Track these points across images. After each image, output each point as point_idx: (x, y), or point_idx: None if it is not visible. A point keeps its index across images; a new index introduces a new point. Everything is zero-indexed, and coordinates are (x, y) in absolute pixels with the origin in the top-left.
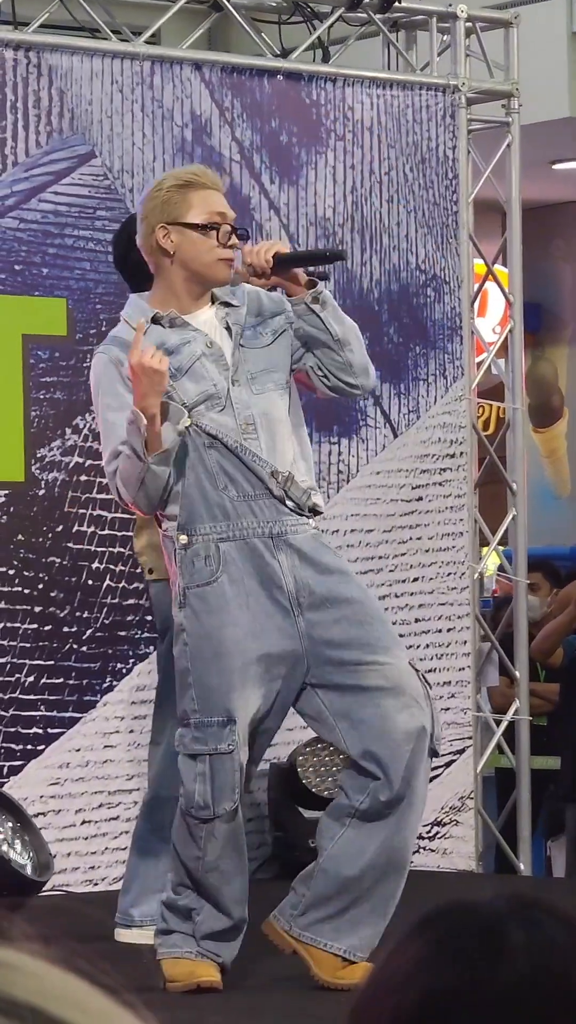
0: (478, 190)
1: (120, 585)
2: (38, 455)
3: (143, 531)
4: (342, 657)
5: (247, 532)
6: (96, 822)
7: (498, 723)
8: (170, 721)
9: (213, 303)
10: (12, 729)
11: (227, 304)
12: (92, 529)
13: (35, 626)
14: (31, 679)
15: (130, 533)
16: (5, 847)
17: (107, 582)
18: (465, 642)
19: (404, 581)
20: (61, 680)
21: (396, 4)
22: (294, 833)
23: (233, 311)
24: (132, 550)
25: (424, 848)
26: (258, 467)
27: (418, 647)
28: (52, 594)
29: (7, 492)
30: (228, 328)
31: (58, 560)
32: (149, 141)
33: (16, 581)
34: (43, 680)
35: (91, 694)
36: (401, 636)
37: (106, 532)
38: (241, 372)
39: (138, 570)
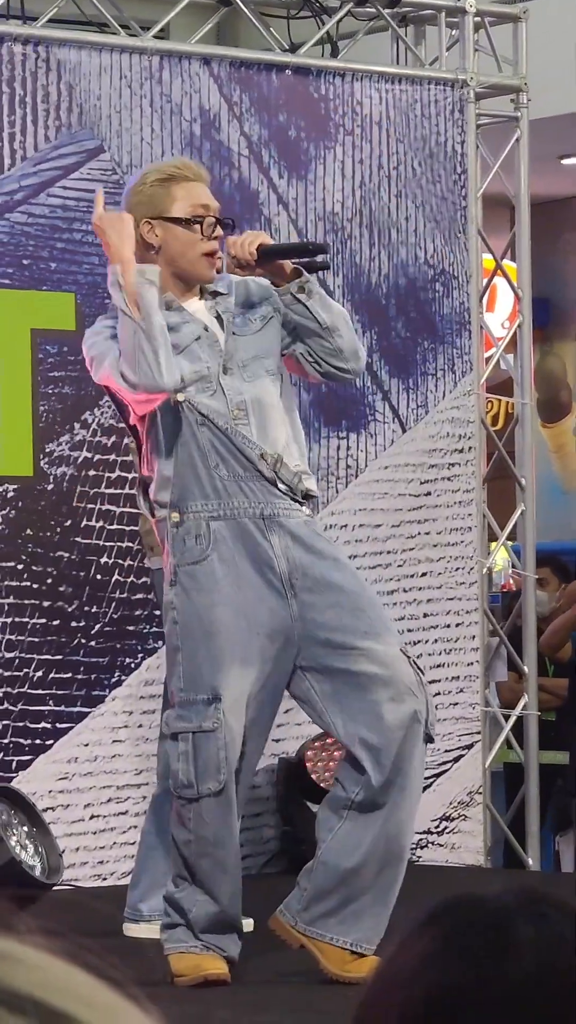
0: (487, 185)
1: (128, 580)
2: (47, 450)
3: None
4: (333, 640)
5: (238, 512)
6: (104, 816)
7: (506, 718)
8: None
9: (202, 295)
10: (21, 724)
11: (215, 294)
12: (100, 524)
13: (43, 621)
14: (39, 674)
15: (139, 528)
16: (18, 848)
17: (115, 577)
18: (474, 637)
19: (412, 576)
20: (69, 675)
21: None
22: (302, 828)
23: (223, 299)
24: (140, 543)
25: (432, 843)
26: (248, 449)
27: (426, 642)
28: (60, 589)
29: (16, 487)
30: (219, 317)
31: (66, 555)
32: (158, 136)
33: (24, 576)
34: (51, 675)
35: (99, 689)
36: (409, 631)
37: (114, 527)
38: (233, 360)
39: (146, 564)
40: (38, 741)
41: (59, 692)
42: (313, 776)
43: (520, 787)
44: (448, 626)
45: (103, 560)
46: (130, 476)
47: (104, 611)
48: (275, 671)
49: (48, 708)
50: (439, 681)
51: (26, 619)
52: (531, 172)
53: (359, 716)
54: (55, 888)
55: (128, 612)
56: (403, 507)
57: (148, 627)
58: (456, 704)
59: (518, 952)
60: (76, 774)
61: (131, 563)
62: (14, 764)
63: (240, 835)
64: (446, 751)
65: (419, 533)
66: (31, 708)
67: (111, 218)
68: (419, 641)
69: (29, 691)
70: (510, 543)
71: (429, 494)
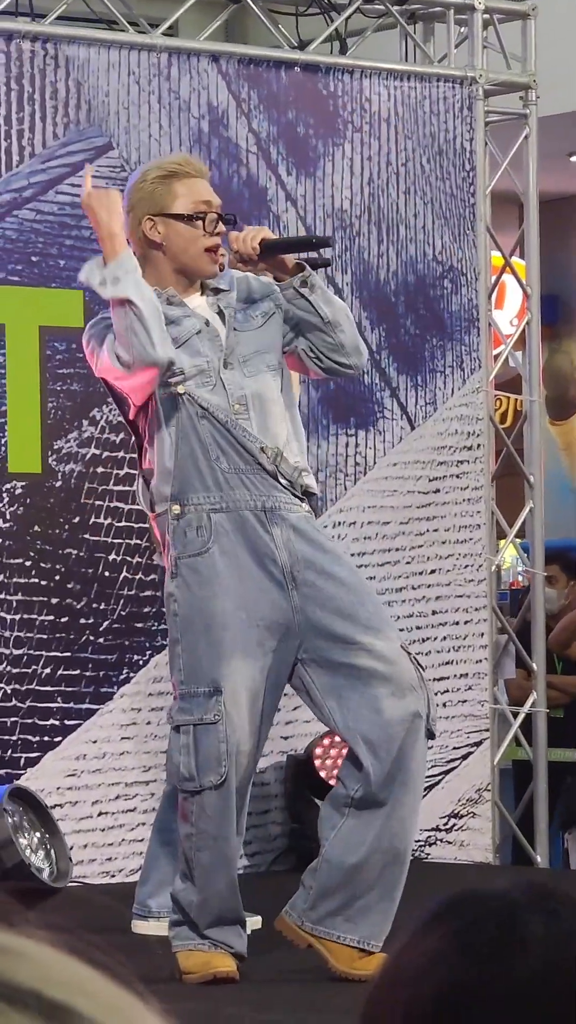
0: (495, 182)
1: (137, 577)
2: (55, 447)
3: None
4: (335, 633)
5: (239, 504)
6: (113, 813)
7: (515, 715)
8: None
9: (203, 291)
10: (29, 720)
11: (217, 290)
12: (109, 521)
13: (52, 618)
14: (48, 671)
15: (147, 525)
16: (28, 852)
17: (124, 574)
18: (482, 634)
19: (421, 573)
20: (78, 672)
21: None
22: (310, 825)
23: (224, 295)
24: (148, 540)
25: (441, 840)
26: (249, 442)
27: (435, 639)
28: (69, 586)
29: (24, 484)
30: (220, 313)
31: (75, 552)
32: (166, 133)
33: (33, 573)
34: (60, 672)
35: (108, 686)
36: (418, 628)
37: (123, 524)
38: (234, 355)
39: (155, 561)
40: (46, 738)
41: (67, 689)
42: (321, 774)
43: (529, 784)
44: (457, 623)
45: (111, 557)
46: (137, 473)
47: (112, 608)
48: (276, 663)
49: (56, 705)
50: (447, 678)
51: (34, 616)
52: (540, 169)
53: (359, 711)
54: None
55: (136, 609)
56: (411, 504)
57: (156, 624)
58: (465, 701)
59: (526, 949)
60: (84, 771)
61: (139, 560)
62: (22, 761)
63: (248, 832)
64: (455, 748)
65: (428, 530)
66: (39, 705)
67: (99, 194)
68: (427, 638)
69: (37, 688)
70: (519, 540)
71: (438, 491)
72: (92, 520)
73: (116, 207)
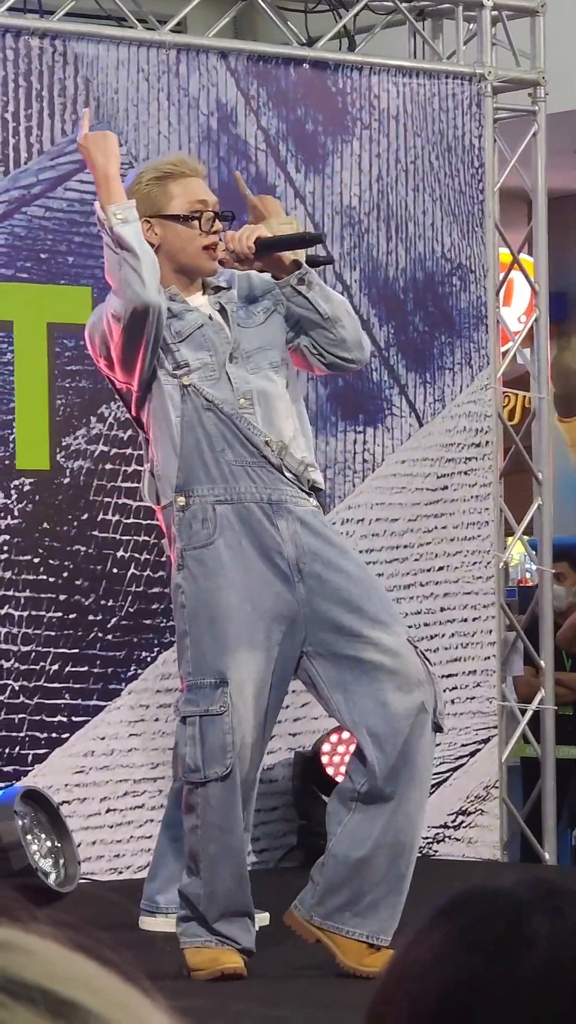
0: (504, 179)
1: (145, 574)
2: (63, 443)
3: None
4: (341, 625)
5: (244, 496)
6: (121, 810)
7: (523, 712)
8: None
9: (204, 289)
10: (37, 717)
11: (218, 288)
12: (117, 518)
13: (60, 614)
14: (56, 667)
15: (155, 522)
16: (37, 856)
17: (132, 570)
18: (490, 631)
19: (429, 570)
20: (86, 668)
21: None
22: (318, 822)
23: (225, 293)
24: (157, 537)
25: (449, 837)
26: (254, 435)
27: (443, 636)
28: (77, 582)
29: (32, 480)
30: (222, 310)
31: (83, 548)
32: (175, 129)
33: (41, 569)
34: (68, 668)
35: (116, 682)
36: (426, 625)
37: (131, 521)
38: (239, 351)
39: (163, 558)
40: (54, 735)
41: (75, 685)
42: (329, 770)
43: (537, 781)
44: (465, 620)
45: (119, 554)
46: (144, 467)
47: (120, 605)
48: (282, 655)
49: (64, 701)
50: (455, 675)
51: (42, 613)
52: (548, 166)
53: (364, 705)
54: None
55: (144, 606)
56: (420, 501)
57: (164, 621)
58: (473, 698)
59: (532, 947)
60: (92, 768)
61: (147, 557)
62: (30, 758)
63: (256, 829)
64: (462, 745)
65: (436, 527)
66: (47, 702)
67: (95, 137)
68: (435, 635)
69: (45, 684)
70: (527, 537)
71: (446, 488)
72: (100, 517)
73: (112, 149)
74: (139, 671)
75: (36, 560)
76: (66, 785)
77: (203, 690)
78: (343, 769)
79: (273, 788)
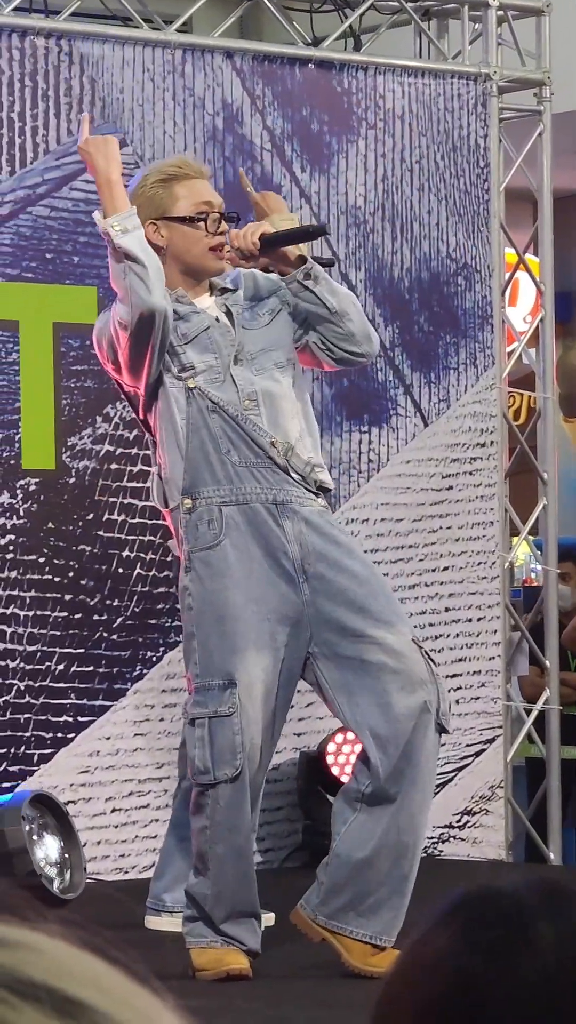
0: (509, 179)
1: (151, 573)
2: (69, 443)
3: None
4: (346, 626)
5: (250, 497)
6: (126, 810)
7: (528, 712)
8: None
9: (211, 291)
10: (42, 717)
11: (225, 290)
12: (122, 517)
13: (65, 614)
14: (61, 667)
15: (160, 522)
16: (43, 863)
17: (137, 570)
18: (495, 631)
19: (434, 570)
20: (91, 668)
21: None
22: (323, 822)
23: (231, 295)
24: (163, 537)
25: (454, 837)
26: (259, 436)
27: (448, 636)
28: (82, 582)
29: (38, 480)
30: (228, 312)
31: (88, 548)
32: (180, 129)
33: (46, 569)
34: (73, 668)
35: (121, 682)
36: (431, 625)
37: (136, 520)
38: (244, 352)
39: (168, 558)
40: (60, 735)
41: (81, 685)
42: (334, 771)
43: (542, 781)
44: (470, 620)
45: (125, 554)
46: (152, 470)
47: (126, 605)
48: (288, 657)
49: (70, 701)
50: (460, 675)
51: (48, 612)
52: (554, 166)
53: (368, 705)
54: None
55: (150, 606)
56: (425, 501)
57: (170, 621)
58: (478, 698)
59: (536, 948)
60: (98, 768)
61: (153, 557)
62: (36, 758)
63: (261, 829)
64: (467, 746)
65: (441, 527)
66: (53, 701)
67: (96, 141)
68: (440, 635)
69: (51, 684)
70: (532, 537)
71: (451, 488)
72: (106, 517)
73: (113, 153)
74: (144, 671)
75: (42, 560)
76: (71, 785)
77: (211, 692)
78: (348, 769)
79: (278, 788)
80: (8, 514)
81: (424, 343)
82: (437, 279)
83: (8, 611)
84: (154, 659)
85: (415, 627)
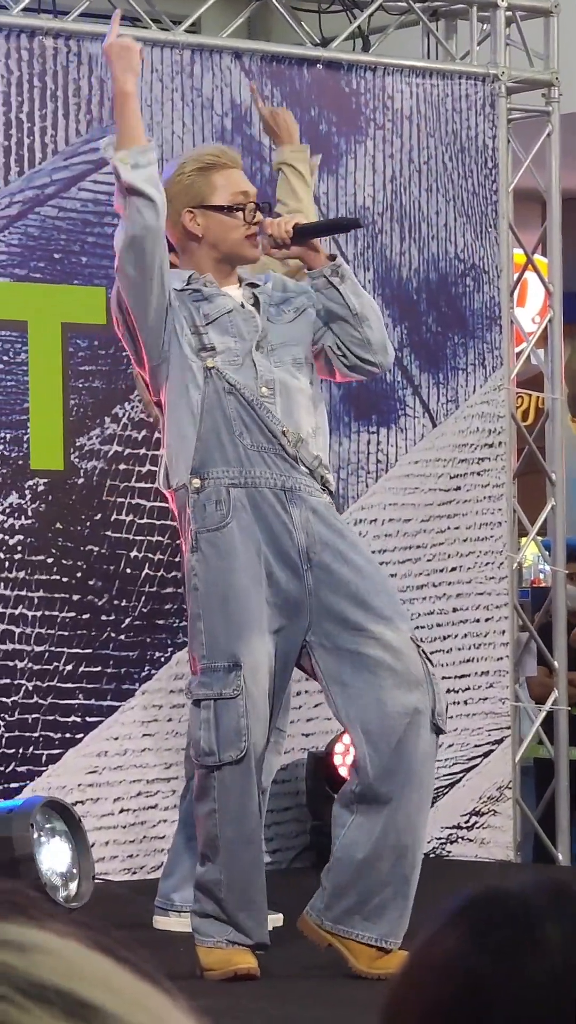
0: (518, 179)
1: (159, 574)
2: (77, 444)
3: None
4: (346, 617)
5: (259, 481)
6: (134, 811)
7: (537, 713)
8: None
9: (240, 284)
10: (51, 717)
11: (254, 284)
12: (131, 518)
13: (73, 614)
14: (69, 667)
15: (169, 522)
16: (50, 872)
17: (145, 571)
18: (503, 632)
19: (442, 571)
20: (99, 668)
21: None
22: (331, 822)
23: (260, 288)
24: (171, 538)
25: (462, 838)
26: (272, 423)
27: (455, 637)
28: (90, 582)
29: (46, 480)
30: (256, 303)
31: (96, 549)
32: (189, 130)
33: (55, 569)
34: (81, 668)
35: (129, 683)
36: (438, 625)
37: (144, 521)
38: (266, 341)
39: (176, 558)
40: (68, 735)
41: (89, 686)
42: (342, 771)
43: (550, 782)
44: (478, 621)
45: (133, 554)
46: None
47: (134, 605)
48: (286, 642)
49: (78, 702)
50: (468, 676)
51: (56, 613)
52: (562, 167)
53: (361, 700)
54: None
55: (158, 606)
56: (433, 502)
57: (178, 621)
58: (486, 699)
59: (544, 949)
60: (106, 768)
61: (161, 557)
62: (44, 758)
63: (269, 829)
64: (476, 746)
65: (449, 528)
66: (61, 702)
67: (118, 47)
68: (448, 636)
69: (59, 685)
70: (540, 538)
71: (459, 489)
72: (114, 517)
73: (133, 63)
74: (153, 671)
75: (50, 560)
76: (79, 785)
77: (217, 673)
78: None
79: (286, 789)
80: (16, 514)
81: (432, 344)
82: (445, 280)
83: (16, 611)
84: (162, 659)
85: (423, 627)
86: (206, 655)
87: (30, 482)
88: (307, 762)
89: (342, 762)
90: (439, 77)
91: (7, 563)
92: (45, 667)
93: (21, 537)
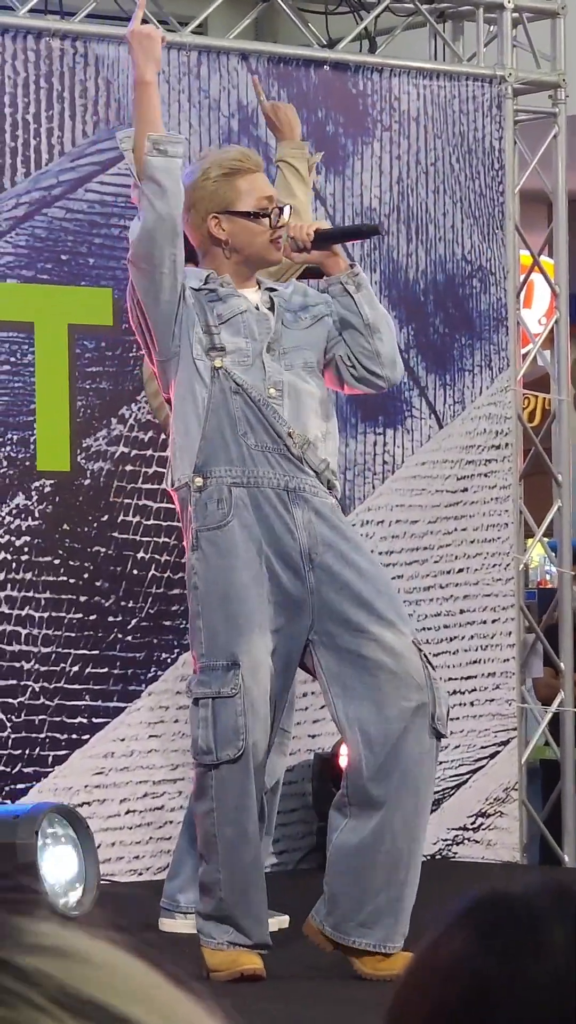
0: (524, 181)
1: (165, 575)
2: (84, 445)
3: None
4: (347, 618)
5: (261, 481)
6: (140, 812)
7: (543, 714)
8: None
9: (259, 287)
10: (57, 719)
11: (272, 289)
12: (137, 519)
13: (80, 616)
14: (76, 669)
15: (175, 523)
16: (54, 880)
17: (152, 572)
18: (510, 633)
19: (449, 572)
20: (106, 670)
21: None
22: None
23: (278, 293)
24: (177, 539)
25: (468, 839)
26: (278, 424)
27: (462, 638)
28: (97, 584)
29: (53, 482)
30: (272, 307)
31: (103, 550)
32: (196, 131)
33: (62, 571)
34: (88, 670)
35: (136, 684)
36: (445, 627)
37: (151, 522)
38: (278, 344)
39: (183, 559)
40: (74, 736)
41: (95, 687)
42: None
43: (556, 784)
44: (484, 622)
45: (140, 555)
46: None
47: (140, 606)
48: (288, 642)
49: (84, 703)
50: (475, 677)
51: (63, 614)
52: (568, 168)
53: (360, 701)
54: None
55: (164, 607)
56: (439, 503)
57: (184, 622)
58: (492, 700)
59: (549, 951)
60: (112, 769)
61: (167, 558)
62: (50, 759)
63: (276, 831)
64: (482, 748)
65: (455, 529)
66: (67, 703)
67: (140, 34)
68: (455, 637)
69: (65, 686)
70: (546, 539)
71: (466, 490)
72: (121, 518)
73: (155, 52)
74: (159, 672)
75: (56, 561)
76: (86, 786)
77: (215, 672)
78: None
79: (292, 790)
80: (23, 515)
81: (439, 345)
82: (452, 281)
83: (23, 612)
84: (169, 661)
85: (429, 629)
86: (205, 654)
87: (37, 483)
88: (313, 763)
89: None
90: (446, 79)
91: (14, 564)
92: (52, 668)
93: (28, 538)
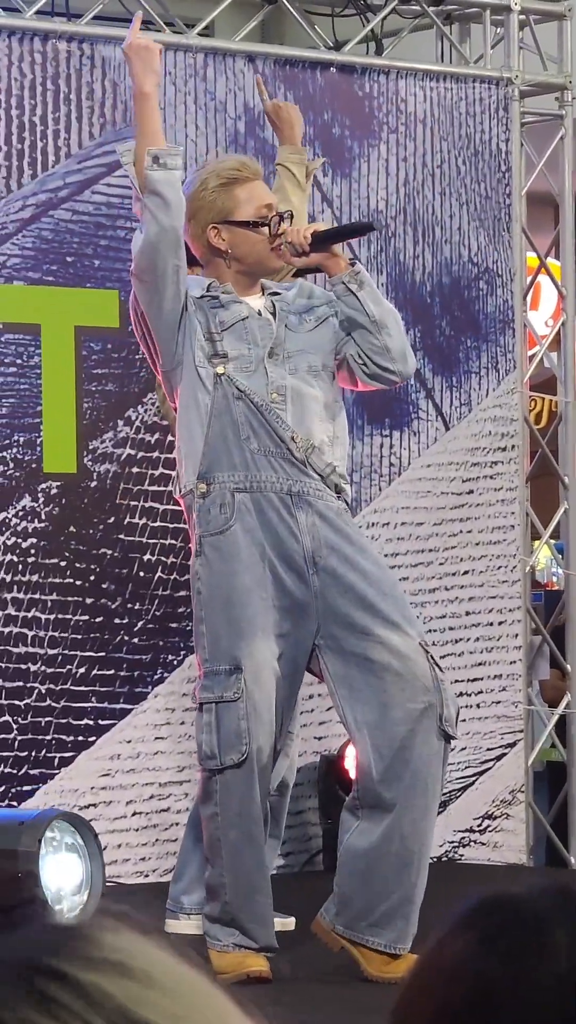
0: (531, 183)
1: (171, 577)
2: (90, 447)
3: None
4: (353, 621)
5: (264, 485)
6: (147, 813)
7: (549, 716)
8: None
9: (262, 292)
10: (63, 720)
11: (276, 293)
12: (144, 521)
13: (86, 617)
14: (82, 670)
15: (182, 525)
16: (56, 889)
17: (158, 574)
18: (516, 635)
19: (455, 574)
20: (112, 671)
21: None
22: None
23: (281, 298)
24: (183, 541)
25: (475, 841)
26: (280, 428)
27: (468, 640)
28: (103, 586)
29: (59, 484)
30: (274, 312)
31: (109, 552)
32: (202, 133)
33: (68, 573)
34: (94, 671)
35: (142, 685)
36: (451, 629)
37: (158, 524)
38: (281, 348)
39: (189, 561)
40: (80, 738)
41: (102, 689)
42: (353, 774)
43: (563, 786)
44: (490, 624)
45: (146, 557)
46: (173, 473)
47: (147, 608)
48: (294, 647)
49: (91, 705)
50: (481, 679)
51: (69, 616)
52: (575, 170)
53: (367, 704)
54: None
55: (171, 609)
56: (446, 505)
57: (190, 624)
58: (498, 702)
59: (552, 953)
60: (118, 771)
61: (174, 560)
62: (56, 760)
63: (284, 832)
64: (488, 749)
65: (461, 531)
66: (74, 705)
67: (138, 47)
68: (461, 639)
69: (72, 688)
70: (553, 541)
71: (472, 492)
72: (127, 520)
73: (153, 64)
74: (165, 674)
75: (63, 563)
76: (92, 788)
77: (218, 677)
78: None
79: (299, 792)
80: (30, 517)
81: (445, 347)
82: (458, 283)
83: (29, 614)
84: (175, 662)
85: (435, 631)
86: (208, 658)
87: (43, 485)
88: (319, 765)
89: (354, 765)
90: (452, 81)
91: (20, 566)
92: (58, 670)
93: (34, 540)
